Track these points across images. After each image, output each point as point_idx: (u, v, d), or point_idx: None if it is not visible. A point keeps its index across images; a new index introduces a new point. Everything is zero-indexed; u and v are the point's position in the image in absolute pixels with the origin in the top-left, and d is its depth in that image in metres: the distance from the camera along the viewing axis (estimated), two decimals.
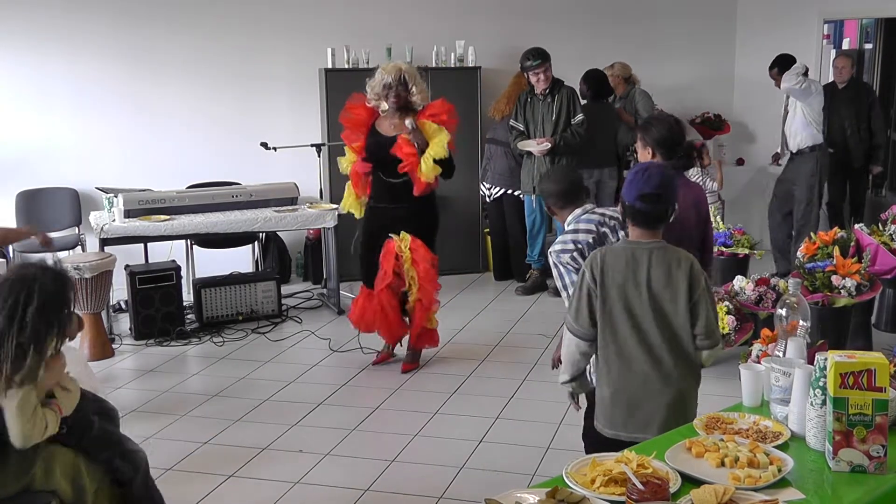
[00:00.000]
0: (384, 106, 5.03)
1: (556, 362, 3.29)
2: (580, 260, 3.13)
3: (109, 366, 5.46)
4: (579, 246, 3.20)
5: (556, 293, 6.91)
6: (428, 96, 5.12)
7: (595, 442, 3.00)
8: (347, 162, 5.23)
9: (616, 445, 2.71)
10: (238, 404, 4.81)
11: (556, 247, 3.27)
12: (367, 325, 5.29)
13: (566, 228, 3.33)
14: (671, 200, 2.78)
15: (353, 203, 5.30)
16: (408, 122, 4.94)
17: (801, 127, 6.94)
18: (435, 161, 4.95)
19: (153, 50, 7.12)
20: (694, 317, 2.73)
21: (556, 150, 6.65)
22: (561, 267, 3.23)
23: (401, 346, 5.42)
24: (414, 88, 4.99)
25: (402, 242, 5.07)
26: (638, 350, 2.76)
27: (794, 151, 7.05)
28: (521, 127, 6.79)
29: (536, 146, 6.65)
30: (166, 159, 7.15)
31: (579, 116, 6.69)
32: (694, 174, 6.37)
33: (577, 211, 3.33)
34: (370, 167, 5.10)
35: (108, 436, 2.80)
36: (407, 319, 5.28)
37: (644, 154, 3.54)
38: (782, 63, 6.94)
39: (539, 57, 6.62)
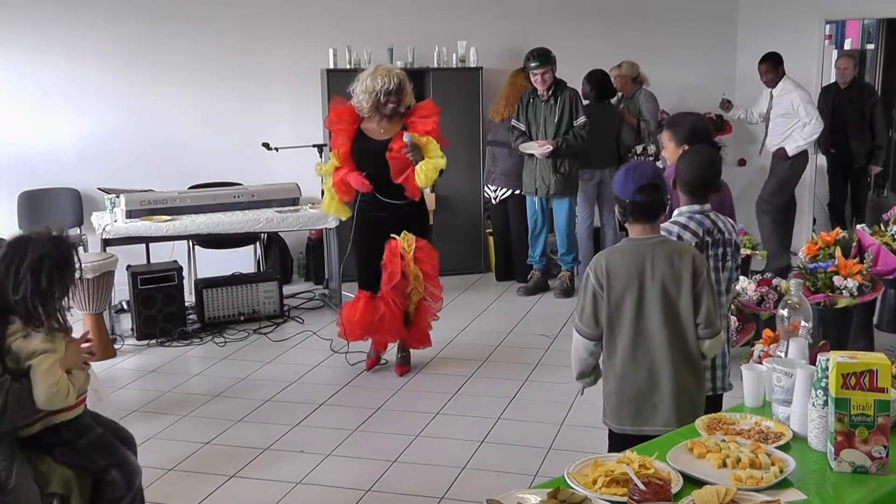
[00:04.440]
0: (368, 112, 4.88)
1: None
2: None
3: (111, 366, 5.46)
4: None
5: (562, 294, 6.92)
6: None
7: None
8: (329, 167, 5.06)
9: (624, 438, 2.74)
10: (240, 405, 4.81)
11: None
12: (365, 330, 5.14)
13: (675, 217, 3.16)
14: (666, 191, 2.82)
15: (337, 206, 5.12)
16: (406, 137, 4.77)
17: (797, 134, 7.01)
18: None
19: (155, 50, 7.12)
20: (696, 306, 2.76)
21: (557, 152, 6.64)
22: None
23: (381, 362, 5.38)
24: (407, 92, 4.91)
25: (406, 241, 4.98)
26: (643, 345, 2.79)
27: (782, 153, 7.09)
28: (523, 127, 6.77)
29: (538, 148, 6.64)
30: (168, 160, 7.15)
31: (581, 118, 6.66)
32: None
33: (696, 207, 3.15)
34: (362, 178, 4.91)
35: (110, 447, 2.92)
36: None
37: (673, 150, 3.55)
38: (773, 58, 7.07)
39: (539, 58, 6.55)
